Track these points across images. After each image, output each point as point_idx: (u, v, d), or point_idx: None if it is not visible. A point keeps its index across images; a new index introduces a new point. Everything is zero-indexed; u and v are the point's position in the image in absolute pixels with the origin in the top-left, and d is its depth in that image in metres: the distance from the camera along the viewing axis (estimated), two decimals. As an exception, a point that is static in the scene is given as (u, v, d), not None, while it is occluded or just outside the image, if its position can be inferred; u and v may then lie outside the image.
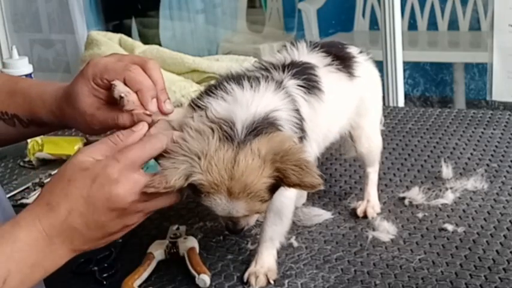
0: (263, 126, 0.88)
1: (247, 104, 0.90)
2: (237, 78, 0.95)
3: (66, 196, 0.80)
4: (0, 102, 1.02)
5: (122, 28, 3.79)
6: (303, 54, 1.08)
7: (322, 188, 0.87)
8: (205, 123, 0.88)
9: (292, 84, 0.98)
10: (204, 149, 0.85)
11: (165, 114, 0.92)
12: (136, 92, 0.91)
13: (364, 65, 1.17)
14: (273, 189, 0.89)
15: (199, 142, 0.85)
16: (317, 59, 1.08)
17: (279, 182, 0.88)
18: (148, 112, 0.90)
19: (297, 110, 0.95)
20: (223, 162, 0.85)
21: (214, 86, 0.95)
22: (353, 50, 1.17)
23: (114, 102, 0.92)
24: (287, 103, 0.94)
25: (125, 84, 0.91)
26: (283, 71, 1.00)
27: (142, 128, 0.88)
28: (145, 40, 3.10)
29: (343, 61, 1.12)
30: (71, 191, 0.80)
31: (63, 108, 0.97)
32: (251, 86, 0.92)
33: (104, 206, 0.80)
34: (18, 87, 1.03)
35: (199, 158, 0.85)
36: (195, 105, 0.94)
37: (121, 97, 0.89)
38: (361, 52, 1.18)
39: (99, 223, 0.81)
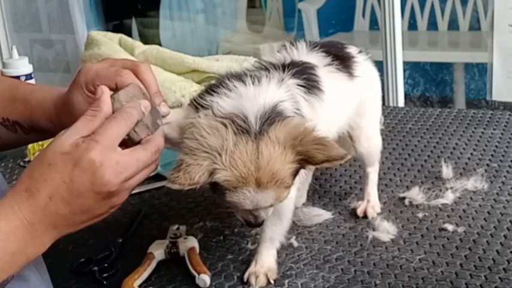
0: (274, 115, 0.89)
1: (254, 97, 0.91)
2: (238, 76, 0.96)
3: (46, 181, 0.78)
4: (1, 108, 1.01)
5: (122, 28, 3.79)
6: (302, 54, 1.08)
7: (349, 157, 0.88)
8: (216, 120, 0.88)
9: (292, 83, 0.99)
10: (222, 145, 0.85)
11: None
12: None
13: (363, 65, 1.17)
14: (295, 174, 0.90)
15: (216, 138, 0.86)
16: (317, 59, 1.08)
17: (302, 164, 0.89)
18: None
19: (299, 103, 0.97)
20: (246, 154, 0.85)
21: (215, 84, 0.96)
22: (352, 49, 1.17)
23: None
24: (291, 95, 0.95)
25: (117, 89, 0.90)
26: (283, 71, 1.01)
27: (103, 90, 0.85)
28: (145, 40, 3.09)
29: (342, 61, 1.12)
30: (52, 176, 0.78)
31: (62, 118, 0.96)
32: (253, 82, 0.93)
33: (88, 189, 0.79)
34: (19, 94, 1.02)
35: (219, 155, 0.85)
36: (197, 104, 0.94)
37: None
38: (360, 52, 1.18)
39: (84, 207, 0.80)
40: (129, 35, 2.69)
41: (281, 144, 0.87)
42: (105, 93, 0.85)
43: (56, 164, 0.78)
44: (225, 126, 0.87)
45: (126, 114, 0.83)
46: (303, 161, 0.88)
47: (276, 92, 0.93)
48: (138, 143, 0.84)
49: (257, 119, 0.88)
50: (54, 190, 0.78)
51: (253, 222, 0.94)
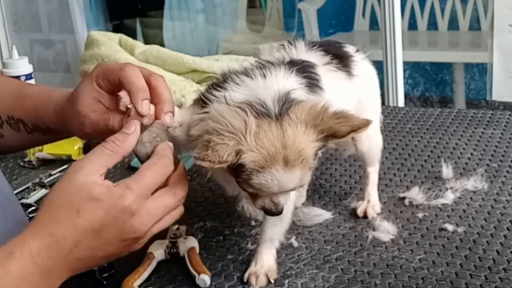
0: (289, 100, 0.90)
1: (266, 86, 0.92)
2: (243, 72, 0.96)
3: (74, 228, 0.76)
4: (6, 106, 1.03)
5: (124, 28, 3.79)
6: (301, 52, 1.08)
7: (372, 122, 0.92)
8: (234, 106, 0.88)
9: (293, 81, 0.98)
10: (245, 127, 0.86)
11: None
12: (128, 93, 0.89)
13: (361, 64, 1.17)
14: (316, 154, 0.91)
15: (238, 121, 0.86)
16: (316, 58, 1.08)
17: (326, 142, 0.90)
18: (144, 119, 0.88)
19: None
20: (271, 133, 0.86)
21: (220, 81, 0.96)
22: (350, 48, 1.17)
23: (115, 110, 0.92)
24: (300, 84, 0.96)
25: (120, 84, 0.91)
26: (284, 69, 1.00)
27: (135, 129, 0.85)
28: (148, 40, 3.10)
29: (341, 60, 1.12)
30: (81, 224, 0.76)
31: (65, 107, 0.97)
32: (261, 75, 0.94)
33: (115, 237, 0.78)
34: (27, 92, 1.03)
35: (244, 137, 0.85)
36: (205, 99, 0.94)
37: (127, 108, 0.89)
38: (357, 51, 1.18)
39: (106, 252, 0.79)
40: (133, 35, 2.69)
41: (303, 123, 0.88)
42: (135, 133, 0.84)
43: (86, 212, 0.76)
44: (244, 111, 0.87)
45: (163, 165, 0.82)
46: (328, 137, 0.89)
47: (286, 81, 0.94)
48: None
49: (275, 103, 0.89)
50: (81, 237, 0.76)
51: (274, 210, 0.93)
